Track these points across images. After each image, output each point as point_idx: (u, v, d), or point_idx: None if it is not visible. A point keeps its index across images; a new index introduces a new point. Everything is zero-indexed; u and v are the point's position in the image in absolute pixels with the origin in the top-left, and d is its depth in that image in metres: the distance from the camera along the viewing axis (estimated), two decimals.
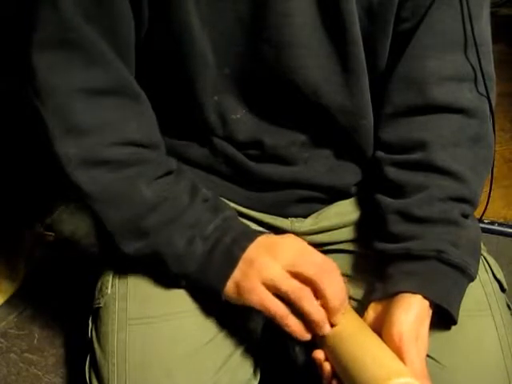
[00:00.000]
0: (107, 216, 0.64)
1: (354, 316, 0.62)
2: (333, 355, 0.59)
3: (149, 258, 0.65)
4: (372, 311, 0.63)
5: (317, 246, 0.71)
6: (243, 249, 0.62)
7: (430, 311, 0.61)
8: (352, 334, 0.59)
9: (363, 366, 0.54)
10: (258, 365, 0.71)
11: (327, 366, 0.59)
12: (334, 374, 0.59)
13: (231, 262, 0.62)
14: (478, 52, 0.66)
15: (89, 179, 0.62)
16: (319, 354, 0.61)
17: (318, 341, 0.61)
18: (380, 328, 0.60)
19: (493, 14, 0.71)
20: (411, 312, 0.59)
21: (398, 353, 0.56)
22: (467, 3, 0.65)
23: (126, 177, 0.63)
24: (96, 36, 0.60)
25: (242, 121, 0.70)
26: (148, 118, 0.67)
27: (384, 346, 0.57)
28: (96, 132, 0.62)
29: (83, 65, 0.60)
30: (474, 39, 0.66)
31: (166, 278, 0.67)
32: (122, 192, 0.63)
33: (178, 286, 0.67)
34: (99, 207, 0.64)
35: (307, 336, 0.61)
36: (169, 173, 0.66)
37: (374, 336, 0.58)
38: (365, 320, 0.63)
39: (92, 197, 0.63)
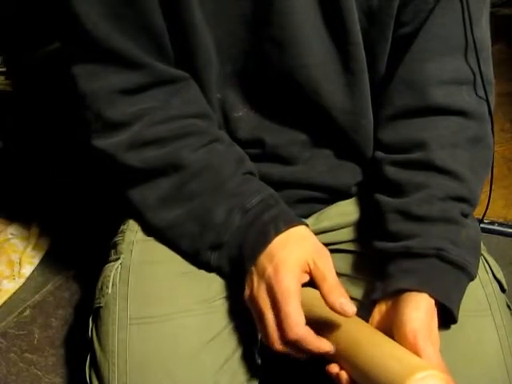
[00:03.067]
0: (153, 186, 0.67)
1: (362, 321, 0.61)
2: (349, 363, 0.57)
3: (183, 228, 0.67)
4: (377, 315, 0.63)
5: None
6: (279, 229, 0.62)
7: (436, 309, 0.61)
8: (365, 337, 0.58)
9: (384, 366, 0.53)
10: (259, 364, 0.71)
11: (344, 375, 0.58)
12: (352, 381, 0.57)
13: (264, 241, 0.62)
14: (477, 56, 0.67)
15: (140, 159, 0.66)
16: (334, 368, 0.59)
17: (329, 355, 0.60)
18: (388, 330, 0.59)
19: (492, 14, 0.71)
20: (421, 309, 0.59)
21: (415, 350, 0.55)
22: (468, 8, 0.65)
23: (174, 149, 0.66)
24: (125, 41, 0.63)
25: (244, 119, 0.70)
26: (189, 90, 0.68)
27: (399, 344, 0.57)
28: (140, 119, 0.66)
29: (117, 69, 0.64)
30: (474, 44, 0.66)
31: (186, 256, 0.69)
32: (169, 162, 0.66)
33: (200, 264, 0.68)
34: (147, 177, 0.67)
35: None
36: (215, 140, 0.68)
37: (387, 337, 0.58)
38: (371, 324, 0.63)
39: (143, 171, 0.67)
